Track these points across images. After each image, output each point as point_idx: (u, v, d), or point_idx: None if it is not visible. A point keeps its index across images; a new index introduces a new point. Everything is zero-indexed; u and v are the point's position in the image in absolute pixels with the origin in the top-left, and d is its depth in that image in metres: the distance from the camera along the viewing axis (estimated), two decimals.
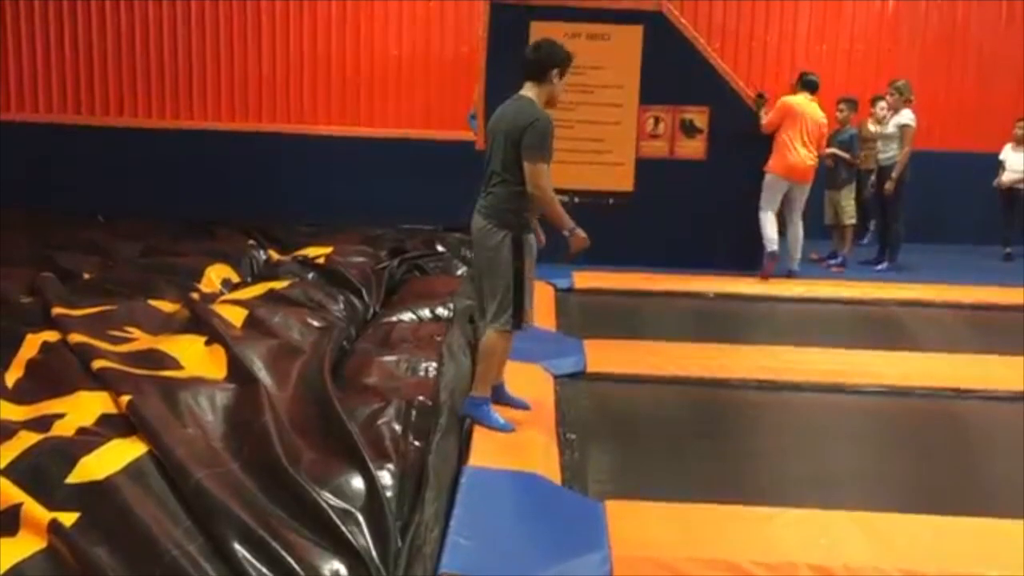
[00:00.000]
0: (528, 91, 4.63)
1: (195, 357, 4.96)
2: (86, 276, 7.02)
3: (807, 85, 8.72)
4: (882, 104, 9.63)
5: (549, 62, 4.61)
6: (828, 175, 9.24)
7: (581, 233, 4.62)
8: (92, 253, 7.77)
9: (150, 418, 3.96)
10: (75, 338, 5.02)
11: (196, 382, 4.54)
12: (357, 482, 3.79)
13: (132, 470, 3.60)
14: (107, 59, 10.89)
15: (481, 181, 4.76)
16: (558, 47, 4.66)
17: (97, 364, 4.60)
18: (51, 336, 5.13)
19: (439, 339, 5.73)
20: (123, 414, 4.08)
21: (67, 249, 7.75)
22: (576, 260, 5.32)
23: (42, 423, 4.06)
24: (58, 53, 10.89)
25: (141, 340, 5.37)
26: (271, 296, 6.45)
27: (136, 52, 10.88)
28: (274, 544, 3.34)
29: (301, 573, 3.27)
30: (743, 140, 8.76)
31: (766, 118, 8.63)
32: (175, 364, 4.85)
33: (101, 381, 4.43)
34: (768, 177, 8.57)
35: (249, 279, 7.46)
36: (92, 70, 10.91)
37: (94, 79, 10.92)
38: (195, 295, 6.44)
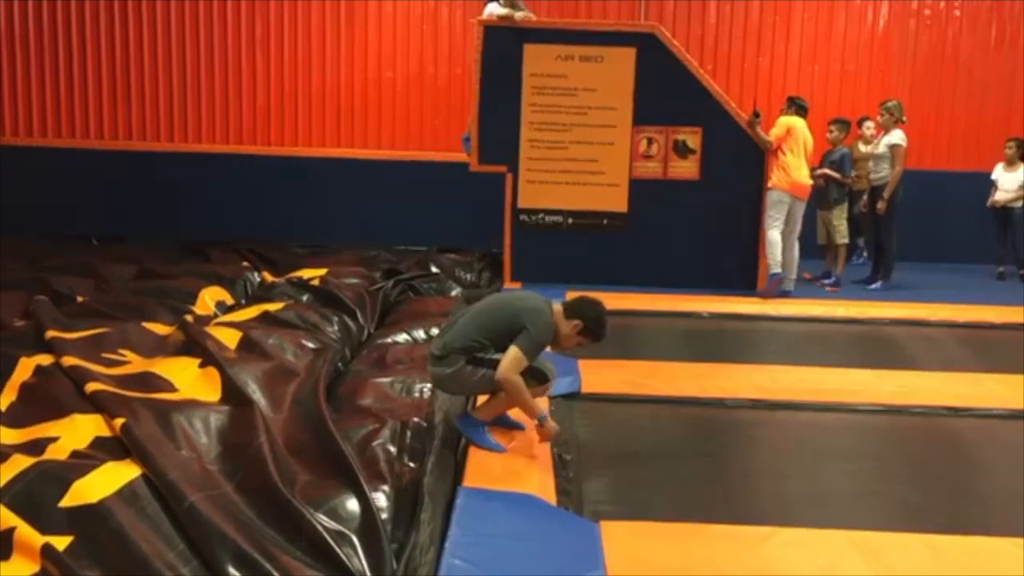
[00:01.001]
0: (557, 306, 4.68)
1: (189, 379, 4.95)
2: (80, 299, 7.01)
3: (800, 110, 8.81)
4: (868, 124, 9.70)
5: (579, 312, 4.65)
6: (820, 195, 9.29)
7: (552, 424, 4.63)
8: (86, 276, 7.74)
9: (144, 441, 3.94)
10: (69, 361, 5.00)
11: (190, 404, 4.53)
12: (352, 504, 3.78)
13: (126, 493, 3.58)
14: (102, 83, 10.92)
15: (445, 327, 4.83)
16: (599, 320, 4.66)
17: (91, 387, 4.58)
18: (45, 359, 5.11)
19: None
20: (117, 437, 4.07)
21: (61, 272, 7.73)
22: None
23: (35, 446, 4.04)
24: (52, 77, 10.93)
25: (135, 363, 5.36)
26: (265, 318, 6.45)
27: (131, 75, 10.92)
28: (269, 567, 3.33)
29: None
30: (736, 160, 8.81)
31: (770, 135, 8.66)
32: (169, 387, 4.83)
33: (95, 404, 4.41)
34: (773, 194, 8.60)
35: (243, 301, 7.46)
36: (87, 94, 10.94)
37: (88, 103, 10.95)
38: (189, 317, 6.43)
